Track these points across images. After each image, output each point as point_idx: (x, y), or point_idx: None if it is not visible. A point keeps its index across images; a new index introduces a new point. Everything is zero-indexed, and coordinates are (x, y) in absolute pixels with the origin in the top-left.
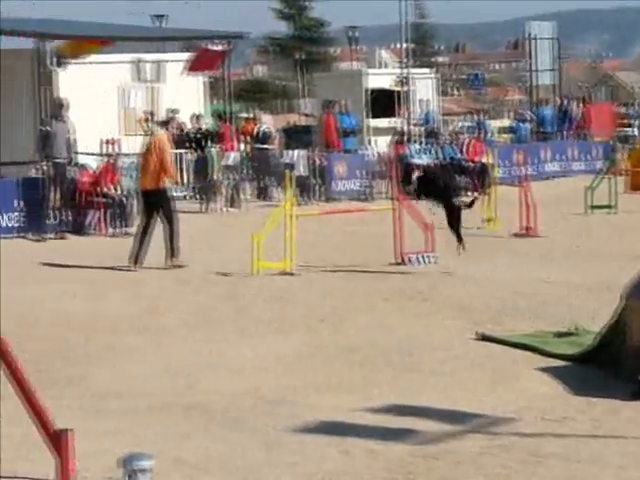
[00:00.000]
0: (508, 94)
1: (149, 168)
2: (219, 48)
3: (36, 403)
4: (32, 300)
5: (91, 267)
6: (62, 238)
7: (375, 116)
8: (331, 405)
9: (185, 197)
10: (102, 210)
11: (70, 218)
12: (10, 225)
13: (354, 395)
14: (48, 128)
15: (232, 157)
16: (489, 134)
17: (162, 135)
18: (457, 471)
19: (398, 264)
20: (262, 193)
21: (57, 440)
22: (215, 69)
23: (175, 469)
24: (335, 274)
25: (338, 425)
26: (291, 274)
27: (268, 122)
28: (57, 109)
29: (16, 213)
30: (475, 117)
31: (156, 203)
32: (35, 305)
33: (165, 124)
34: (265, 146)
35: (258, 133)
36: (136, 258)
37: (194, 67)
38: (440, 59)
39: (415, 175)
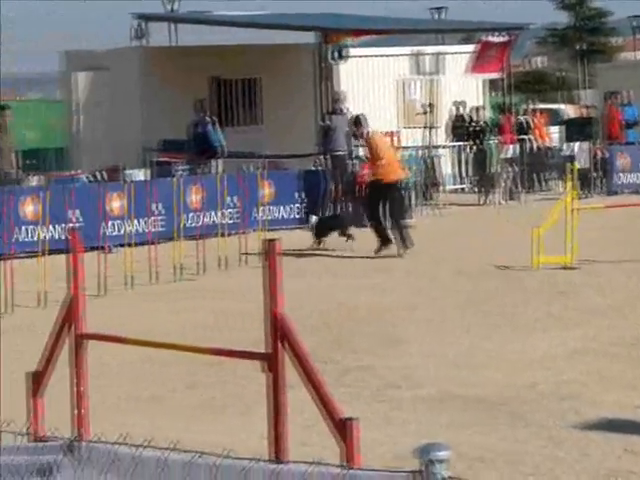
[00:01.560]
0: None
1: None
2: (499, 40)
3: (323, 392)
4: (314, 292)
5: (370, 259)
6: None
7: None
8: (614, 401)
9: (464, 189)
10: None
11: (349, 210)
12: (291, 217)
13: (638, 391)
14: (328, 122)
15: (511, 150)
16: None
17: None
18: None
19: None
20: (538, 185)
21: (343, 428)
22: (497, 70)
23: (456, 460)
24: (617, 268)
25: (622, 422)
26: (572, 268)
27: (570, 112)
28: (335, 103)
29: (297, 205)
30: None
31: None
32: (318, 296)
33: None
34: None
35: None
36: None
37: (476, 69)
38: None
39: None
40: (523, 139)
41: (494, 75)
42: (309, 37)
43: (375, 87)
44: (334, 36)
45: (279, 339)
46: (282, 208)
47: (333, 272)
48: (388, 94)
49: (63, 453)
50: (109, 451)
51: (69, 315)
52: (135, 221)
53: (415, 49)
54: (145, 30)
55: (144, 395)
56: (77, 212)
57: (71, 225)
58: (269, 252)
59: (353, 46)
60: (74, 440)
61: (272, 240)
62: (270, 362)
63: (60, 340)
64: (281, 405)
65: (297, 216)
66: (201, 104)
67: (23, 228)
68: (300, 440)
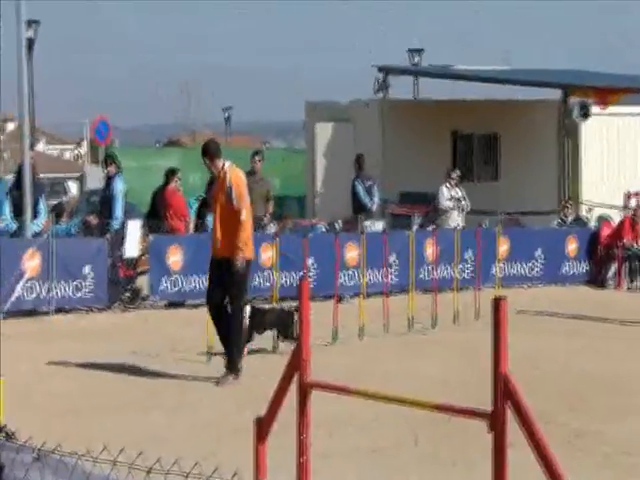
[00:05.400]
0: None
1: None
2: None
3: (546, 455)
4: (540, 352)
5: (606, 321)
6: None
7: None
8: None
9: None
10: (621, 263)
11: (588, 269)
12: (529, 274)
13: None
14: None
15: None
16: None
17: None
18: None
19: None
20: None
21: None
22: None
23: None
24: None
25: None
26: None
27: None
28: None
29: (535, 262)
30: None
31: None
32: (555, 358)
33: None
34: None
35: None
36: None
37: None
38: None
39: None
40: None
41: None
42: (552, 93)
43: (620, 145)
44: (579, 93)
45: (503, 400)
46: (520, 265)
47: (575, 334)
48: (634, 153)
49: None
50: None
51: (295, 362)
52: (370, 272)
53: None
54: (387, 82)
55: (366, 447)
56: (312, 260)
57: (301, 274)
58: (496, 310)
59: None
60: None
61: (499, 298)
62: (493, 421)
63: (287, 387)
64: (503, 466)
65: (535, 274)
66: (358, 160)
67: (260, 274)
68: None
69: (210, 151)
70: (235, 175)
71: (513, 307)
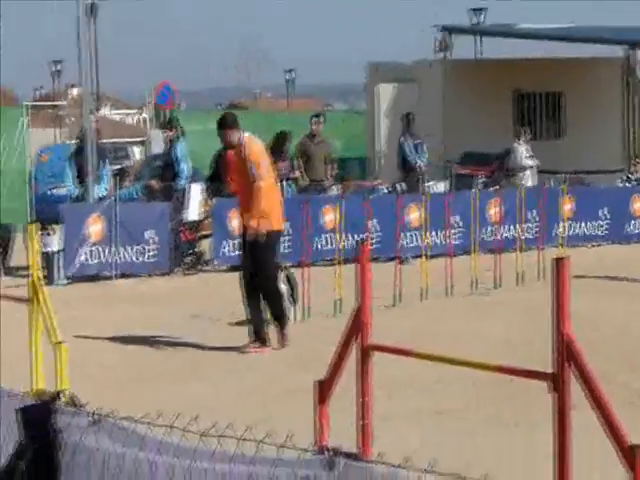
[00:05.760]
0: None
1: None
2: None
3: (610, 417)
4: (600, 313)
5: None
6: None
7: None
8: None
9: None
10: None
11: None
12: (593, 233)
13: None
14: None
15: None
16: None
17: None
18: None
19: None
20: None
21: (630, 455)
22: None
23: None
24: None
25: None
26: None
27: None
28: None
29: (600, 222)
30: None
31: None
32: (602, 318)
33: None
34: None
35: None
36: None
37: None
38: None
39: None
40: None
41: None
42: (617, 50)
43: None
44: None
45: (565, 361)
46: (584, 224)
47: (637, 295)
48: None
49: (324, 468)
50: (365, 469)
51: (356, 325)
52: (432, 233)
53: None
54: (450, 42)
55: (429, 409)
56: (375, 222)
57: (361, 236)
58: (557, 270)
59: None
60: (334, 455)
61: (561, 258)
62: (555, 383)
63: (347, 350)
64: (565, 427)
65: (600, 233)
66: (407, 118)
67: (322, 236)
68: (589, 464)
69: (227, 124)
70: (253, 145)
71: (576, 267)
